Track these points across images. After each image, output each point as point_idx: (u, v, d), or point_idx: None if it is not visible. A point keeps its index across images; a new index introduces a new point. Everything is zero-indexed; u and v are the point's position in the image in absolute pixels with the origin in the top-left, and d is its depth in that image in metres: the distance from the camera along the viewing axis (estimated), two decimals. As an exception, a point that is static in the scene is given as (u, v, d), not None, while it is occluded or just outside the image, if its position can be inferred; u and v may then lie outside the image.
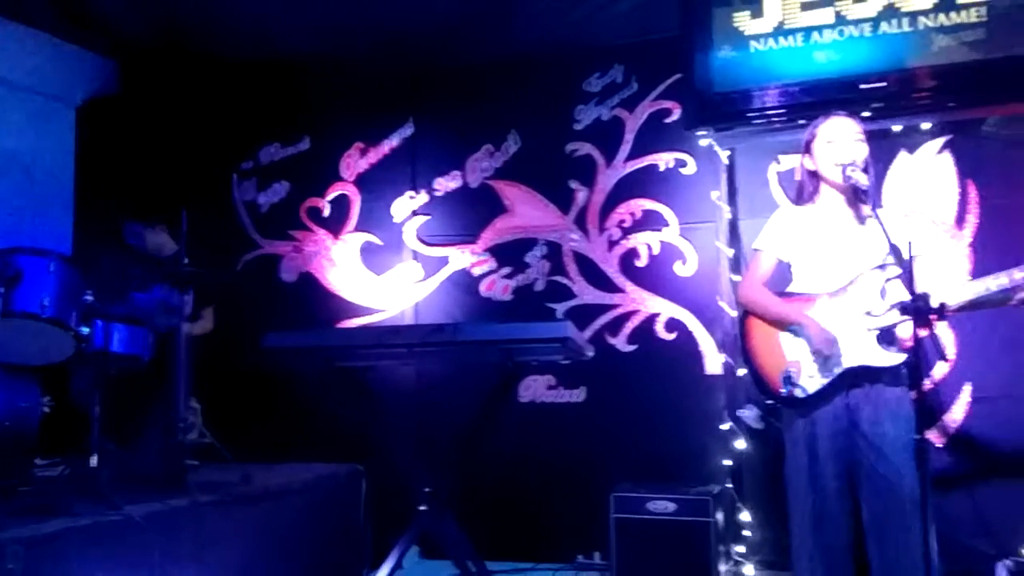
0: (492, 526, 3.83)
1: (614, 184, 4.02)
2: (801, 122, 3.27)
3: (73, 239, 4.57)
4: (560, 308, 4.02)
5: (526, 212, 4.14)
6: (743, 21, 3.59)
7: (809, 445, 2.40)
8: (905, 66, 3.40)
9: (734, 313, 3.59)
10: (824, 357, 2.37)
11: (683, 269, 3.89)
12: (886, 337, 2.33)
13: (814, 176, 2.58)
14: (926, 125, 3.58)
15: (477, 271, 4.19)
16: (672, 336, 3.87)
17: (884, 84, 3.42)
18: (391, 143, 4.40)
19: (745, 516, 3.59)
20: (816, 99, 3.46)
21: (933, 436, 3.47)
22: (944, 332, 3.48)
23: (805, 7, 3.51)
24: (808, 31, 3.51)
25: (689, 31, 3.65)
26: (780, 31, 3.54)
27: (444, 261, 4.26)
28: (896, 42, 3.41)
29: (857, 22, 3.45)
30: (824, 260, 2.49)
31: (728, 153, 3.81)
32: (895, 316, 2.28)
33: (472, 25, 4.05)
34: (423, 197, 4.33)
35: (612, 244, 4.00)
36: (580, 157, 4.07)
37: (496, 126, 4.21)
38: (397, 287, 4.31)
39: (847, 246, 2.46)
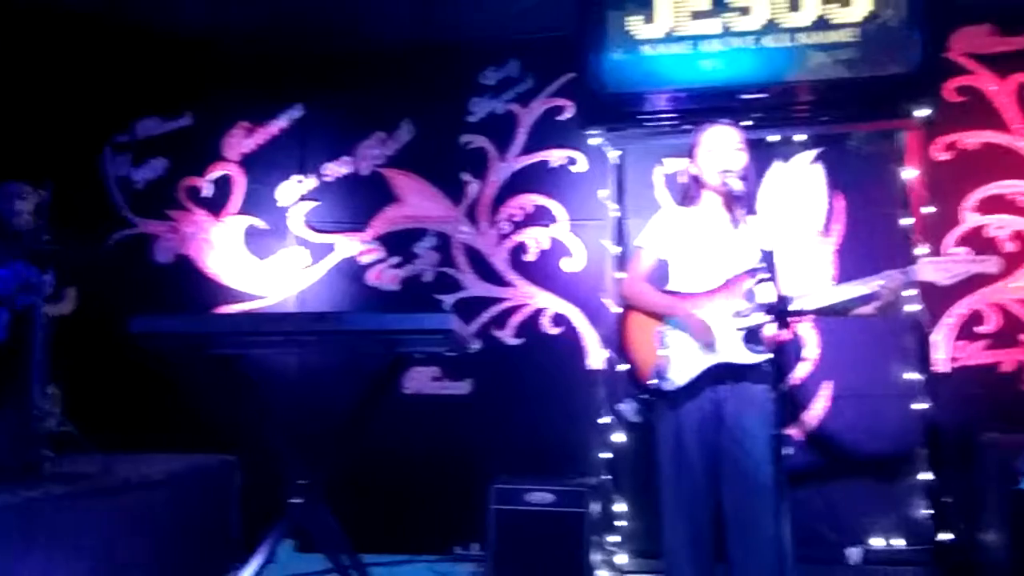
0: (371, 518, 3.77)
1: (506, 178, 4.04)
2: (687, 127, 3.38)
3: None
4: (448, 300, 4.01)
5: (417, 202, 4.10)
6: (635, 25, 3.68)
7: (677, 436, 2.49)
8: (784, 80, 3.57)
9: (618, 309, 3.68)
10: (706, 344, 2.46)
11: (571, 265, 3.96)
12: (752, 337, 2.44)
13: (696, 180, 2.68)
14: (801, 137, 3.77)
15: (365, 260, 4.12)
16: (558, 331, 3.93)
17: (764, 96, 3.58)
18: (279, 124, 4.26)
19: (620, 507, 3.70)
20: (701, 106, 3.60)
21: (795, 431, 3.68)
22: (808, 333, 3.70)
23: (695, 16, 3.63)
24: (696, 40, 3.63)
25: (583, 31, 3.71)
26: (670, 38, 3.65)
27: (331, 248, 4.16)
28: (776, 56, 3.58)
29: (742, 34, 3.60)
30: (699, 261, 2.58)
31: (618, 153, 3.89)
32: (760, 317, 2.39)
33: (370, 11, 3.97)
34: (311, 182, 4.21)
35: (502, 238, 4.02)
36: (473, 149, 4.07)
37: (389, 114, 4.15)
38: (281, 273, 4.18)
39: (721, 249, 2.56)
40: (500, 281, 4.00)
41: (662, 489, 2.55)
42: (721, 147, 2.59)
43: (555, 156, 4.01)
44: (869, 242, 3.67)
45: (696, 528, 2.49)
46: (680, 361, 2.50)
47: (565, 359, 3.90)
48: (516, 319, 3.97)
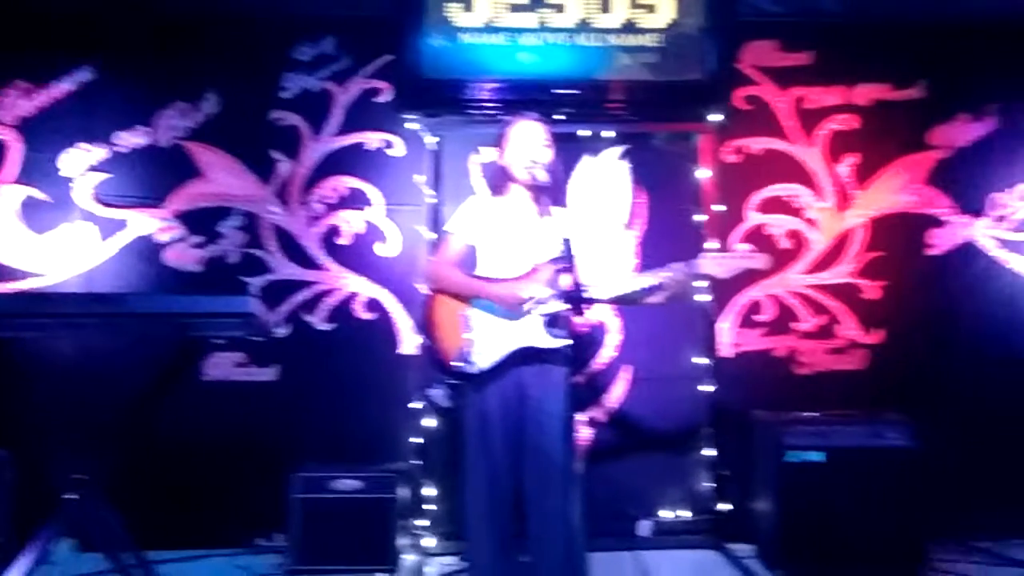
0: (165, 513, 3.57)
1: (320, 158, 3.91)
2: (503, 117, 3.45)
3: None
4: (255, 282, 3.83)
5: (223, 179, 3.88)
6: (454, 12, 3.69)
7: (481, 418, 2.55)
8: (595, 78, 3.73)
9: (431, 295, 3.69)
10: (514, 311, 2.52)
11: (385, 250, 3.91)
12: (552, 322, 2.55)
13: (505, 171, 2.75)
14: (609, 133, 3.95)
15: (163, 238, 3.85)
16: (371, 316, 3.88)
17: (576, 92, 3.72)
18: (64, 87, 3.86)
19: (430, 491, 3.73)
20: (517, 97, 3.67)
21: (597, 413, 3.88)
22: (611, 320, 3.91)
23: (512, 8, 3.70)
24: (514, 32, 3.71)
25: (402, 14, 3.67)
26: (489, 28, 3.70)
27: (123, 225, 3.84)
28: (588, 55, 3.72)
29: (556, 31, 3.72)
30: (506, 248, 2.66)
31: (435, 140, 3.89)
32: (558, 304, 2.49)
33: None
34: (101, 152, 3.86)
35: (314, 220, 3.90)
36: (285, 127, 3.90)
37: (193, 83, 3.87)
38: (63, 250, 3.81)
39: (527, 237, 2.64)
40: (311, 264, 3.88)
41: (466, 472, 2.61)
42: (528, 141, 2.68)
43: (372, 139, 3.93)
44: (667, 236, 3.92)
45: (497, 507, 2.56)
46: (484, 344, 2.56)
47: (378, 345, 3.85)
48: (328, 304, 3.87)
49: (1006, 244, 4.04)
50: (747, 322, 3.99)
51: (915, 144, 4.05)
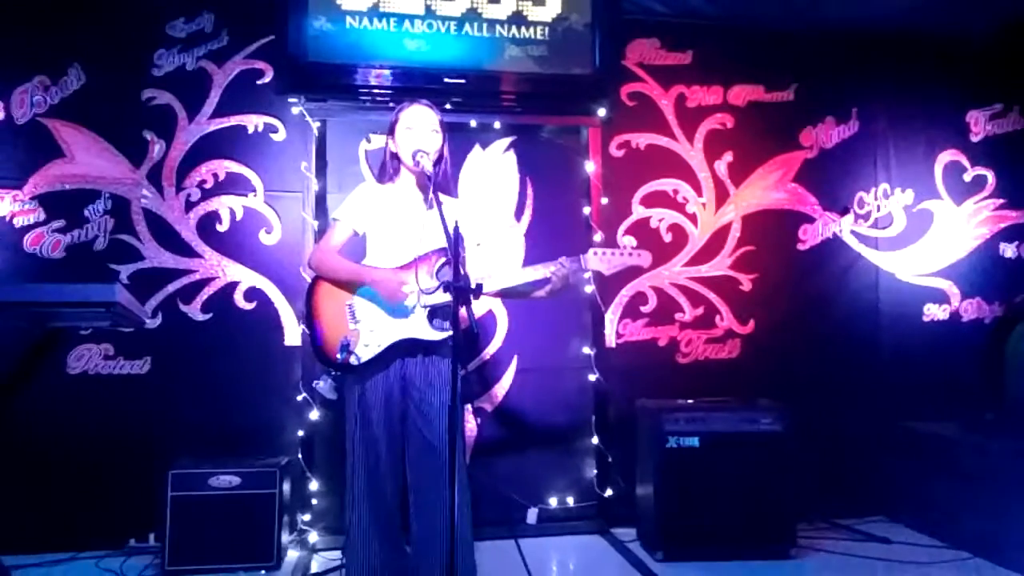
0: (26, 515, 3.37)
1: (196, 140, 3.72)
2: (391, 104, 3.41)
3: None
4: (125, 271, 3.61)
5: (89, 160, 3.62)
6: (340, -6, 3.60)
7: (364, 411, 2.51)
8: (483, 68, 3.72)
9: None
10: (396, 304, 2.49)
11: (267, 238, 3.77)
12: (436, 313, 2.53)
13: (395, 158, 2.71)
14: (498, 124, 3.96)
15: (20, 222, 3.57)
16: (251, 306, 3.74)
17: (464, 81, 3.70)
18: (-99, 54, 3.52)
19: (314, 485, 3.64)
20: (405, 85, 3.63)
21: (485, 403, 3.89)
22: (499, 312, 3.92)
23: (399, -6, 3.64)
24: (401, 18, 3.65)
25: (285, -7, 3.55)
26: (375, 12, 3.62)
27: (-25, 207, 3.55)
28: (477, 44, 3.71)
29: (444, 19, 3.69)
30: (393, 237, 2.61)
31: (319, 124, 3.79)
32: (442, 296, 2.48)
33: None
34: (-51, 127, 3.54)
35: (190, 205, 3.71)
36: (158, 106, 3.68)
37: (55, 56, 3.59)
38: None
39: (414, 227, 2.61)
40: (187, 252, 3.69)
41: (348, 466, 2.56)
42: (418, 126, 2.64)
43: (253, 121, 3.77)
44: (554, 228, 3.98)
45: (380, 500, 2.53)
46: (367, 335, 2.51)
47: (259, 336, 3.72)
48: (205, 293, 3.70)
49: (867, 240, 4.33)
50: (631, 312, 4.09)
51: (786, 144, 4.27)
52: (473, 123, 3.92)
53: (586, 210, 4.01)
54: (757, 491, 3.42)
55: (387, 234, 2.64)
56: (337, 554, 3.51)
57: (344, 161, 3.81)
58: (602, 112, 3.98)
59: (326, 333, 2.54)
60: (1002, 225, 4.45)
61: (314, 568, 3.40)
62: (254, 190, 3.76)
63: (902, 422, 4.02)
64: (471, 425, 3.82)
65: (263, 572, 3.24)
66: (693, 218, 4.17)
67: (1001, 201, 4.45)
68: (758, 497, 3.41)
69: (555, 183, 4.03)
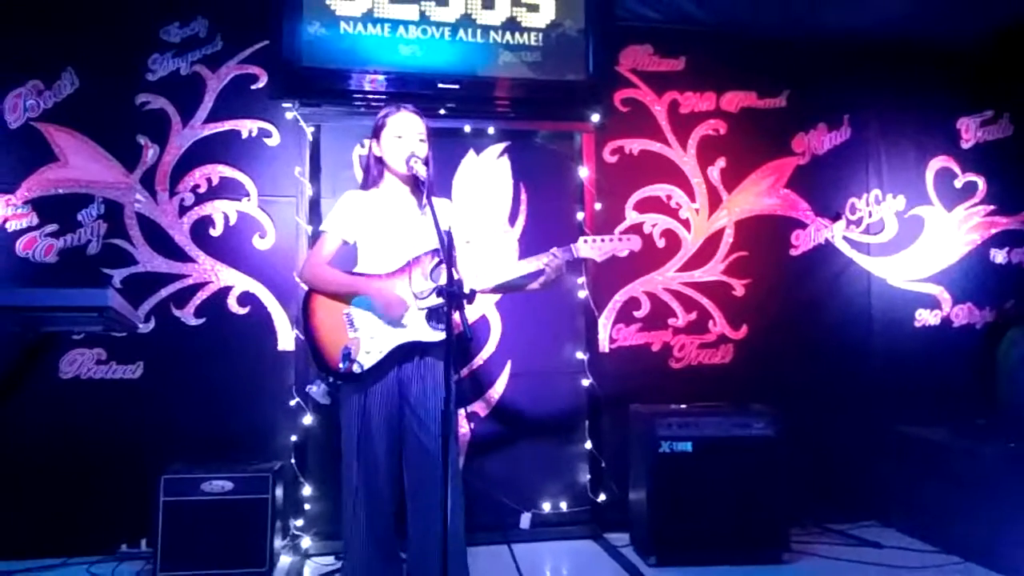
0: (15, 521, 3.36)
1: (190, 145, 3.72)
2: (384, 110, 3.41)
3: None
4: (118, 275, 3.61)
5: (82, 164, 3.62)
6: (334, 0, 3.61)
7: (362, 418, 2.50)
8: (477, 73, 3.73)
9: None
10: (396, 319, 2.49)
11: (261, 243, 3.77)
12: (433, 316, 2.54)
13: (380, 163, 2.70)
14: (492, 130, 3.97)
15: (13, 226, 3.56)
16: (245, 310, 3.73)
17: (458, 87, 3.71)
18: None
19: (306, 490, 3.64)
20: (399, 90, 3.64)
21: (479, 407, 3.90)
22: (493, 316, 3.93)
23: (393, 0, 3.65)
24: (395, 24, 3.66)
25: (279, -2, 3.56)
26: (370, 18, 3.64)
27: (-34, 212, 3.54)
28: (471, 50, 3.73)
29: (439, 25, 3.70)
30: (385, 243, 2.61)
31: (313, 129, 3.79)
32: (438, 298, 2.48)
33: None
34: (-59, 131, 3.54)
35: (184, 210, 3.71)
36: (152, 111, 3.68)
37: (49, 60, 3.59)
38: None
39: (406, 231, 2.61)
40: (180, 256, 3.69)
41: (343, 473, 2.55)
42: (407, 132, 2.65)
43: (247, 126, 3.77)
44: (548, 234, 3.95)
45: (375, 505, 2.53)
46: (368, 342, 2.51)
47: (252, 340, 3.71)
48: (199, 298, 3.69)
49: (859, 245, 4.35)
50: (624, 318, 4.10)
51: (779, 150, 4.29)
52: (467, 128, 3.94)
53: (580, 215, 4.02)
54: (750, 496, 3.42)
55: (378, 240, 2.63)
56: (330, 559, 3.51)
57: (338, 166, 3.82)
58: (596, 118, 4.00)
59: (326, 343, 2.53)
60: (993, 231, 4.48)
61: (306, 573, 3.39)
62: (248, 195, 3.76)
63: (894, 427, 4.04)
64: (464, 429, 3.82)
65: (255, 578, 3.23)
66: (686, 223, 4.19)
67: (992, 207, 4.47)
68: (751, 502, 3.42)
69: (549, 189, 4.05)
